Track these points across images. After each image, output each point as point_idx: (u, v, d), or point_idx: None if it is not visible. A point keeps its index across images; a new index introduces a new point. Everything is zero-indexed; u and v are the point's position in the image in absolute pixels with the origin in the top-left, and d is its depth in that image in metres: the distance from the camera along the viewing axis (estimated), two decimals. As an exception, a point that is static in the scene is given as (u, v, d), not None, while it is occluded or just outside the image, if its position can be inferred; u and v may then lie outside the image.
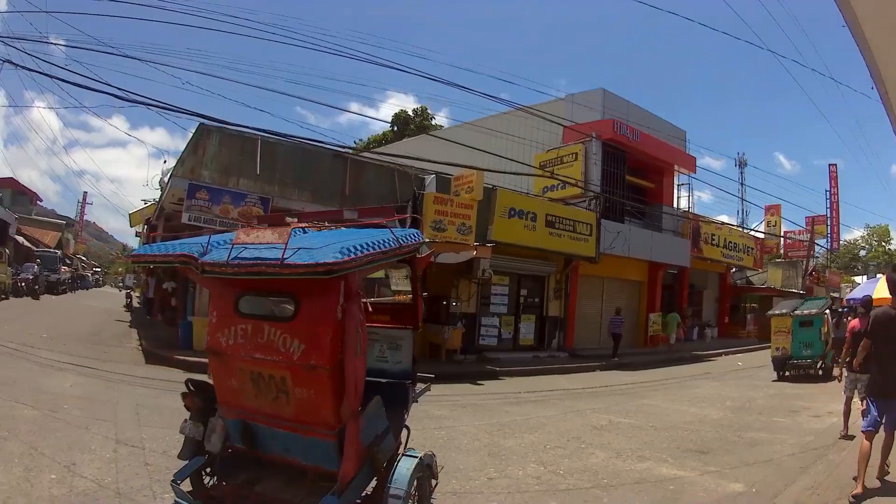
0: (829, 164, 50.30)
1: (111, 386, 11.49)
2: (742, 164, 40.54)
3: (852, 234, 55.42)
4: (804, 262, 43.93)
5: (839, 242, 54.11)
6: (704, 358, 25.41)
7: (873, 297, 11.69)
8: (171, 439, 7.53)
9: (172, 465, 6.27)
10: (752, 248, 35.68)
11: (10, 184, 55.38)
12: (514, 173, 22.84)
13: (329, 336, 3.96)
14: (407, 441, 5.17)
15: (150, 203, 31.21)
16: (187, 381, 4.89)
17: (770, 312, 20.28)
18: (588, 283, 25.38)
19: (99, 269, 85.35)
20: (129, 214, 35.10)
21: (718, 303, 35.90)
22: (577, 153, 25.21)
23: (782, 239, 45.19)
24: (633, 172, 28.03)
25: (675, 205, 31.62)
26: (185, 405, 4.83)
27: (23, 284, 32.25)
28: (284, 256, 3.61)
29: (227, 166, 17.49)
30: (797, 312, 18.56)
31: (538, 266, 22.61)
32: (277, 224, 4.49)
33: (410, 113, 48.31)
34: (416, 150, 25.50)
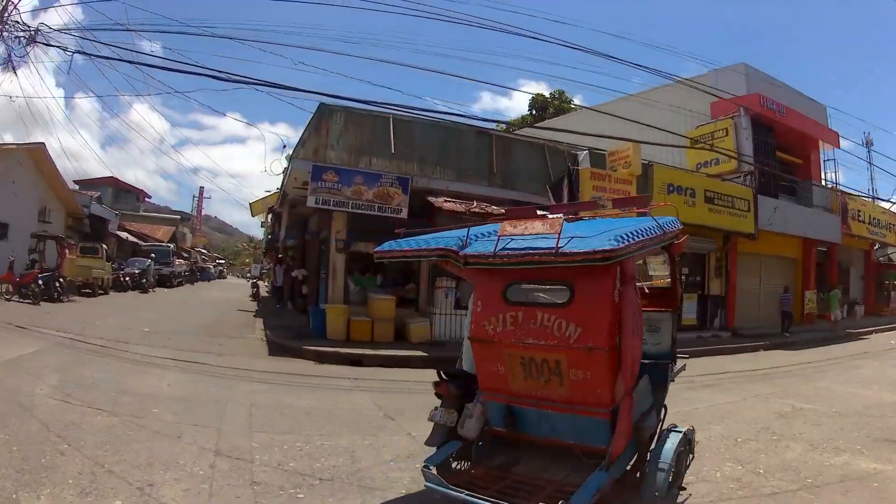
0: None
1: (221, 383, 9.95)
2: (869, 144, 37.88)
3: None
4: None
5: None
6: (858, 336, 24.33)
7: None
8: (290, 449, 6.56)
9: (288, 483, 5.59)
10: (895, 225, 33.98)
11: (112, 182, 56.90)
12: (671, 146, 22.23)
13: (607, 319, 4.10)
14: (665, 419, 5.14)
15: (272, 192, 31.07)
16: (439, 370, 5.08)
17: None
18: (745, 261, 24.70)
19: (223, 261, 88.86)
20: (250, 204, 35.20)
21: (864, 280, 34.73)
22: (727, 128, 24.41)
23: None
24: (781, 148, 27.14)
25: (822, 180, 30.38)
26: (436, 393, 4.99)
27: (126, 279, 31.90)
28: (559, 245, 3.79)
29: (357, 146, 17.13)
30: None
31: (698, 243, 21.84)
32: (528, 215, 4.71)
33: (547, 96, 47.50)
34: (564, 127, 24.63)
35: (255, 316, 23.29)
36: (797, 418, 9.36)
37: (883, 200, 34.41)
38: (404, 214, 16.13)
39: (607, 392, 4.20)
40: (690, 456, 5.24)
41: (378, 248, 4.82)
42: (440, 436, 4.86)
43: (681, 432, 4.77)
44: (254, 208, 34.59)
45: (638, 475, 4.57)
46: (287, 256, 28.74)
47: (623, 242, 3.80)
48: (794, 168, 28.32)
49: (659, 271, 11.07)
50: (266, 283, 39.70)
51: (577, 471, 4.32)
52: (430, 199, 16.55)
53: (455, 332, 16.04)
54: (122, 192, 59.94)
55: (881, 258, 37.30)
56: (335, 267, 16.80)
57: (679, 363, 5.82)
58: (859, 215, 30.37)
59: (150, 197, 74.96)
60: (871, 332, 25.64)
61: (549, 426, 4.55)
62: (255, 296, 33.83)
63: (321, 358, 13.29)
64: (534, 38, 23.33)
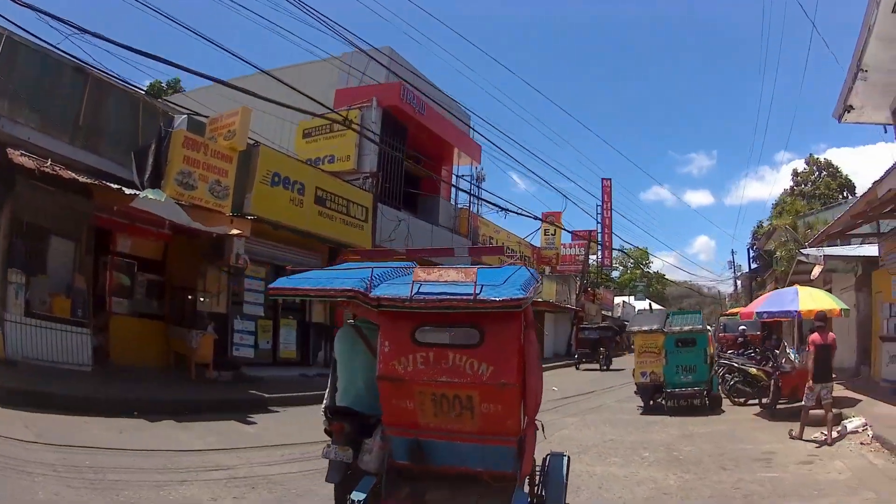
0: (603, 179, 51.83)
1: None
2: (480, 179, 40.36)
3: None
4: (577, 278, 44.55)
5: (612, 258, 56.94)
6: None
7: (801, 310, 14.12)
8: None
9: None
10: (530, 258, 35.82)
11: None
12: (296, 109, 19.10)
13: (516, 358, 4.57)
14: None
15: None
16: (325, 410, 5.46)
17: (633, 328, 18.32)
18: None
19: None
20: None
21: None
22: (351, 120, 21.95)
23: (563, 247, 46.19)
24: (412, 153, 25.98)
25: (452, 199, 30.63)
26: (326, 430, 5.30)
27: None
28: (476, 293, 4.31)
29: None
30: (675, 329, 15.96)
31: (299, 256, 19.22)
32: (387, 257, 6.06)
33: (164, 85, 46.98)
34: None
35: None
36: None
37: (531, 213, 35.63)
38: (-17, 169, 12.92)
39: (516, 422, 4.73)
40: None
41: (272, 285, 4.98)
42: (338, 472, 5.12)
43: (565, 456, 5.61)
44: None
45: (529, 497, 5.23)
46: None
47: (528, 291, 4.41)
48: (420, 180, 27.58)
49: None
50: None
51: (486, 495, 4.81)
52: (9, 150, 13.72)
53: (37, 349, 12.71)
54: None
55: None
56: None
57: None
58: (492, 242, 31.43)
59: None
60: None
61: (457, 456, 4.94)
62: None
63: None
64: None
